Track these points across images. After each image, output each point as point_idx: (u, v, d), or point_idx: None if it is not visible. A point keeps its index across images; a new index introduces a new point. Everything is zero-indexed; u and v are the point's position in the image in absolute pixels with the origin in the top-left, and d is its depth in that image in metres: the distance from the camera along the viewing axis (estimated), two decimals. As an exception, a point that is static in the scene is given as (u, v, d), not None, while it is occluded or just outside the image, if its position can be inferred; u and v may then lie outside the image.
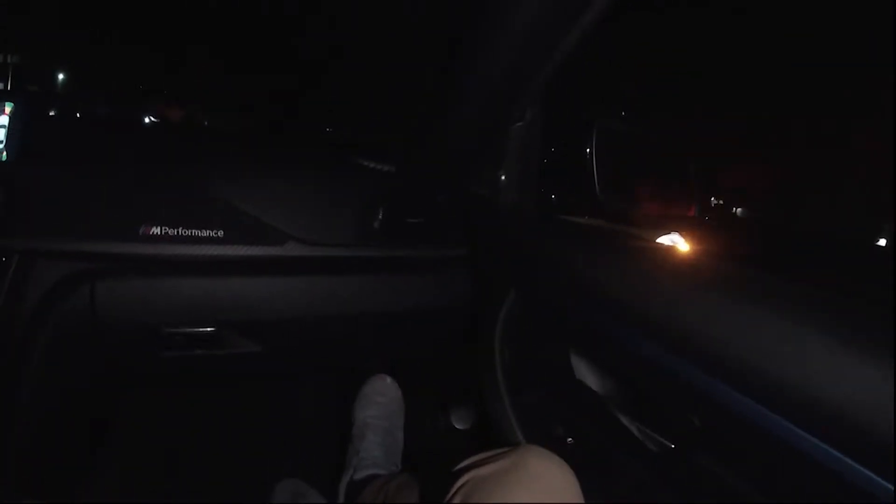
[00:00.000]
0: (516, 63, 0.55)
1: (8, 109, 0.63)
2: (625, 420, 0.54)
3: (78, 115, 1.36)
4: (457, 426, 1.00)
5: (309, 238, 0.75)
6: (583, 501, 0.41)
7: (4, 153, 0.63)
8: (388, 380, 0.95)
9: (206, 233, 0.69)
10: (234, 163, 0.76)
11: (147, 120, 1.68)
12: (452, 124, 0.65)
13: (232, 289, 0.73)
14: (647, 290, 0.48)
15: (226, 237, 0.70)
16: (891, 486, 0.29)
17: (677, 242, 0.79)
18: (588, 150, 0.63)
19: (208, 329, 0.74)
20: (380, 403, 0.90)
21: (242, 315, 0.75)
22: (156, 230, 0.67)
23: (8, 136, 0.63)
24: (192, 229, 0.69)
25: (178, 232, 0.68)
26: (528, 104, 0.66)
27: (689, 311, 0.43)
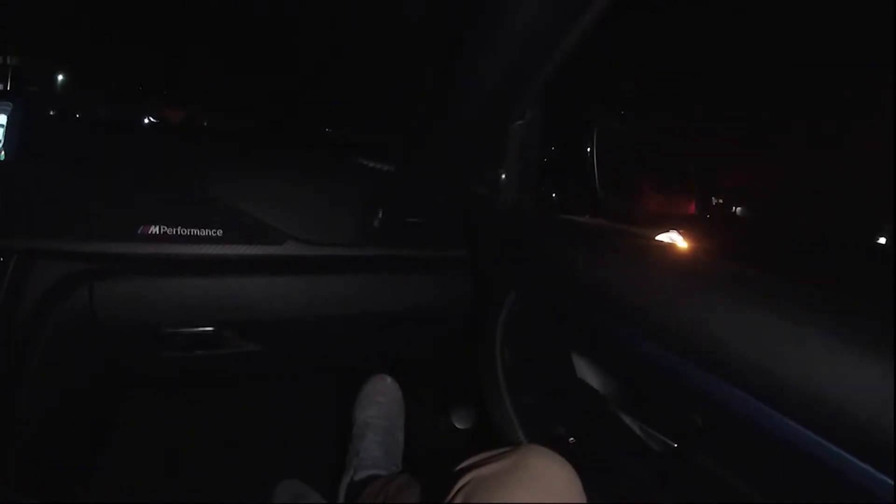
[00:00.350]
0: (516, 63, 0.55)
1: (7, 109, 0.63)
2: (626, 419, 0.54)
3: (77, 115, 1.36)
4: (457, 426, 1.00)
5: (308, 237, 0.75)
6: (585, 501, 0.41)
7: (3, 152, 0.63)
8: (389, 380, 0.95)
9: (205, 232, 0.69)
10: (233, 162, 0.76)
11: (147, 120, 1.68)
12: (452, 124, 0.65)
13: (231, 288, 0.73)
14: (648, 290, 0.48)
15: (225, 236, 0.70)
16: (891, 482, 0.30)
17: (677, 241, 0.79)
18: (589, 149, 0.63)
19: (208, 329, 0.74)
20: (380, 403, 0.90)
21: (242, 315, 0.75)
22: (155, 230, 0.67)
23: (7, 135, 0.63)
24: (191, 228, 0.69)
25: (177, 231, 0.68)
26: (528, 104, 0.66)
27: (690, 310, 0.43)
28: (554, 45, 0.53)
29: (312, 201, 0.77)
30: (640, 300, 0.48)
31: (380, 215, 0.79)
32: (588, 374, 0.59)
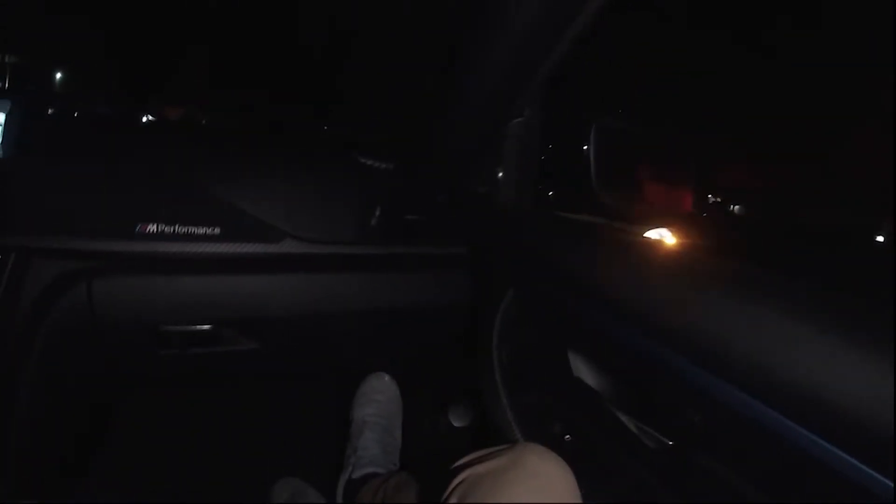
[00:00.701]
0: (516, 63, 0.55)
1: (6, 107, 0.63)
2: (623, 418, 0.54)
3: (76, 113, 1.36)
4: (455, 424, 1.00)
5: (307, 235, 0.75)
6: (580, 499, 0.41)
7: (1, 150, 0.63)
8: (387, 378, 0.95)
9: (202, 230, 0.69)
10: (232, 160, 0.76)
11: (146, 118, 1.68)
12: (452, 124, 0.65)
13: (229, 286, 0.73)
14: (647, 288, 0.48)
15: (223, 234, 0.70)
16: (890, 483, 0.30)
17: (676, 239, 0.79)
18: (586, 147, 0.63)
19: (206, 327, 0.74)
20: (378, 401, 0.90)
21: (240, 313, 0.75)
22: (153, 228, 0.67)
23: (5, 133, 0.63)
24: (189, 226, 0.69)
25: (175, 229, 0.68)
26: (527, 103, 0.66)
27: (690, 308, 0.43)
28: (553, 45, 0.54)
29: (311, 199, 0.77)
30: (638, 298, 0.48)
31: (378, 213, 0.79)
32: (585, 372, 0.59)
